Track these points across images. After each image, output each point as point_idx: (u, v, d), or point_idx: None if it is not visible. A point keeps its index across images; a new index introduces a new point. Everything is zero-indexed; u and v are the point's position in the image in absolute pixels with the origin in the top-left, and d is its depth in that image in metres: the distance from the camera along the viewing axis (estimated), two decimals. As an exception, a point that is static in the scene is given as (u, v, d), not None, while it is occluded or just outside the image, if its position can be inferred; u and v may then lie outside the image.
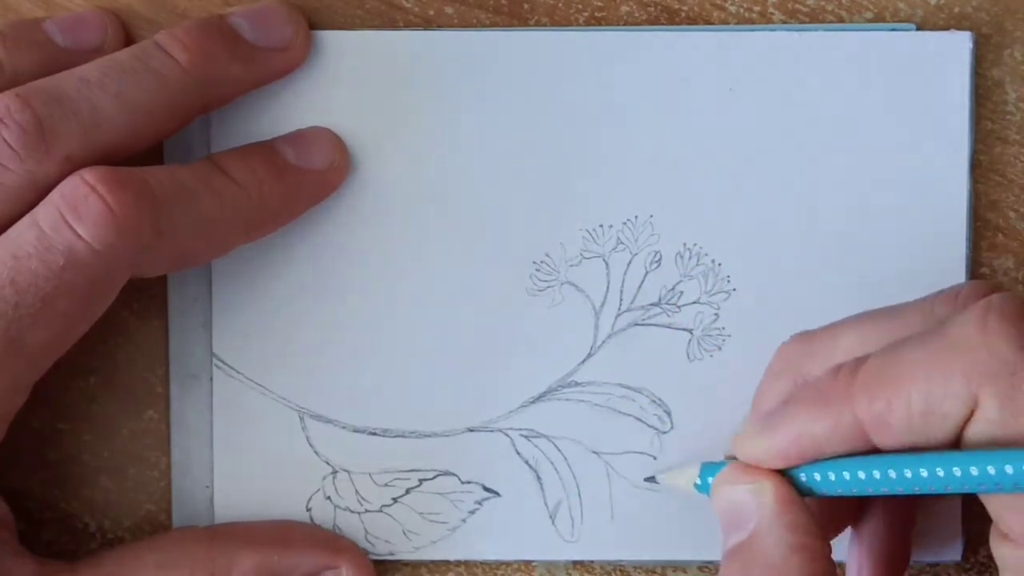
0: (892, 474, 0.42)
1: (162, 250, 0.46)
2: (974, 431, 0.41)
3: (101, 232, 0.44)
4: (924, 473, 0.42)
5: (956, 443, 0.42)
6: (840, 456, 0.43)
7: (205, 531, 0.50)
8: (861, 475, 0.43)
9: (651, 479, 0.50)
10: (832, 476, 0.43)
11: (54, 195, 0.45)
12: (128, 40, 0.51)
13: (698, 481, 0.47)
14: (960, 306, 0.43)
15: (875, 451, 0.43)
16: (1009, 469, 0.40)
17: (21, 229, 0.45)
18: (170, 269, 0.48)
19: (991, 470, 0.40)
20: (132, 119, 0.47)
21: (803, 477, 0.44)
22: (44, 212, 0.45)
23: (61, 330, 0.45)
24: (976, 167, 0.51)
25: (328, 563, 0.50)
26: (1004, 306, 0.41)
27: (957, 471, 0.41)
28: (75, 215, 0.44)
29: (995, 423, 0.40)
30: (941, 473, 0.41)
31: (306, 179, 0.50)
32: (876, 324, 0.45)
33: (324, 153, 0.50)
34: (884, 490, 0.43)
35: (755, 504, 0.44)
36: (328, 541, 0.51)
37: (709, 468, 0.47)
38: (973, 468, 0.41)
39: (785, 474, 0.44)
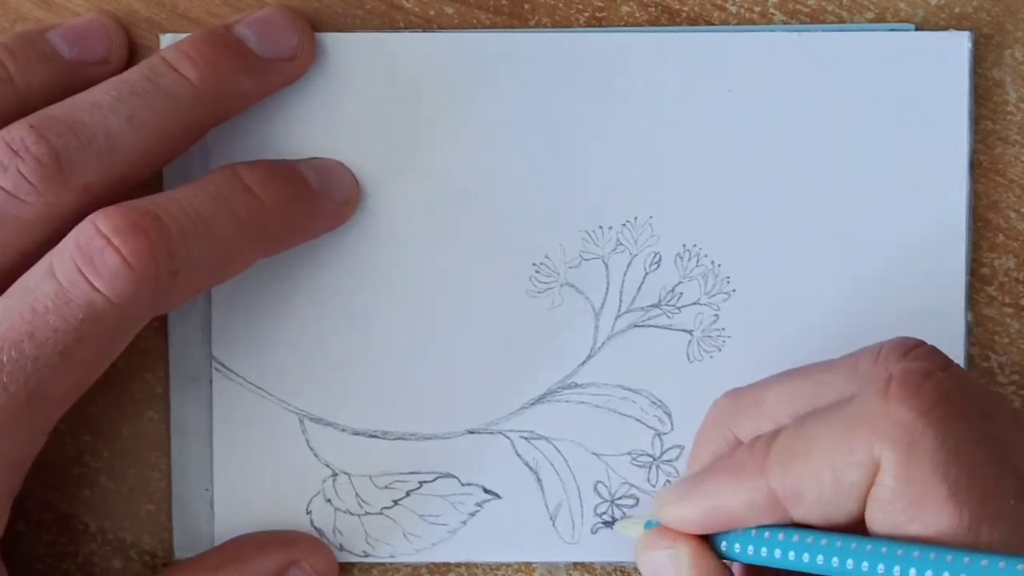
0: (805, 557, 0.43)
1: (179, 287, 0.45)
2: (874, 495, 0.42)
3: (119, 286, 0.44)
4: (825, 560, 0.43)
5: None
6: (760, 525, 0.44)
7: None
8: (775, 553, 0.44)
9: (609, 524, 0.51)
10: (748, 549, 0.45)
11: (69, 243, 0.44)
12: (131, 45, 0.51)
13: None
14: (881, 364, 0.44)
15: (794, 521, 0.44)
16: (897, 571, 0.41)
17: (38, 279, 0.44)
18: (189, 299, 0.47)
19: (881, 569, 0.41)
20: (146, 142, 0.46)
21: (723, 544, 0.45)
22: (60, 263, 0.44)
23: (80, 377, 0.45)
24: (976, 167, 0.51)
25: (287, 559, 0.50)
26: (905, 377, 0.42)
27: (861, 564, 0.42)
28: (91, 269, 0.44)
29: (890, 488, 0.42)
30: (850, 564, 0.42)
31: (325, 207, 0.49)
32: (802, 382, 0.46)
33: (343, 186, 0.50)
34: (795, 567, 0.43)
35: (673, 568, 0.45)
36: (282, 539, 0.51)
37: (652, 525, 0.47)
38: (865, 564, 0.42)
39: (708, 538, 0.46)
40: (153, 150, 0.47)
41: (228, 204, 0.46)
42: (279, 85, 0.50)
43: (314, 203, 0.49)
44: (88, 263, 0.44)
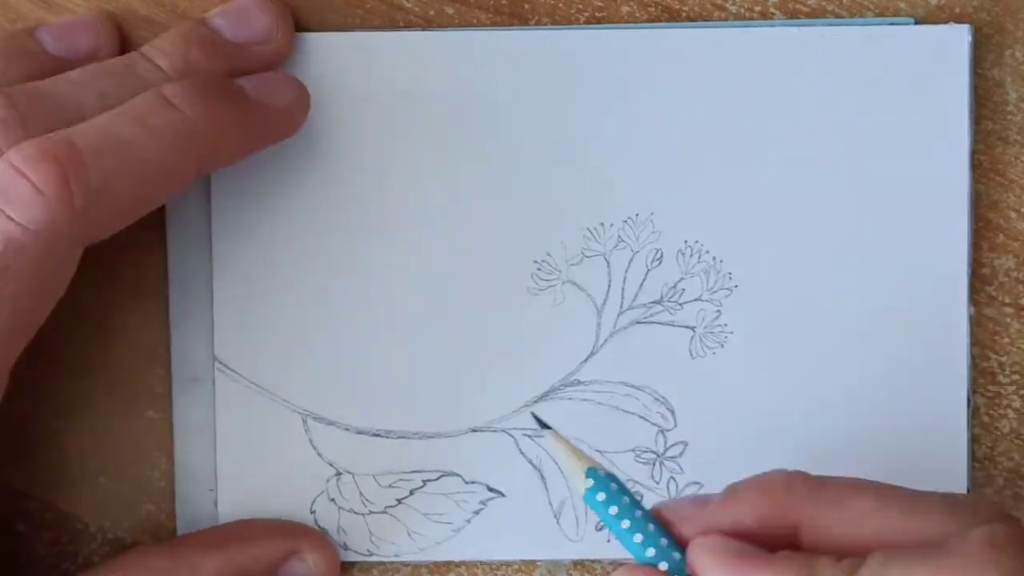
0: None
1: (103, 208, 0.45)
2: None
3: (31, 213, 0.44)
4: None
5: None
6: None
7: (165, 545, 0.50)
8: None
9: (544, 426, 0.48)
10: None
11: None
12: (124, 43, 0.51)
13: (587, 488, 0.45)
14: (985, 512, 0.43)
15: None
16: None
17: None
18: (122, 223, 0.47)
19: None
20: None
21: None
22: None
23: (16, 315, 0.45)
24: (977, 167, 0.51)
25: (289, 549, 0.50)
26: (1011, 529, 0.41)
27: None
28: (5, 199, 0.44)
29: None
30: None
31: (266, 114, 0.49)
32: (897, 503, 0.43)
33: (285, 90, 0.50)
34: None
35: None
36: (287, 529, 0.51)
37: (600, 483, 0.45)
38: None
39: None
40: None
41: (146, 120, 0.46)
42: (257, 69, 0.50)
43: (250, 111, 0.49)
44: (2, 195, 0.44)
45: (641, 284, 0.51)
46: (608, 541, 0.51)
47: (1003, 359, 0.51)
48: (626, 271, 0.51)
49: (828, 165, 0.51)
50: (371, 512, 0.51)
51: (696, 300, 0.51)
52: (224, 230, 0.51)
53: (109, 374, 0.52)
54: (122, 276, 0.51)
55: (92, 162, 0.45)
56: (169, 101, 0.47)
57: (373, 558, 0.51)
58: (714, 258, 0.51)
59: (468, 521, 0.51)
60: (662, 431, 0.51)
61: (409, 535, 0.51)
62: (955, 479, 0.51)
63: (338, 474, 0.51)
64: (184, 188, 0.48)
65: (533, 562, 0.52)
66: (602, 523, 0.50)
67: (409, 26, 0.51)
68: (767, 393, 0.51)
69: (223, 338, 0.51)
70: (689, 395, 0.51)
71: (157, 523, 0.52)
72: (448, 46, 0.51)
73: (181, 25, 0.50)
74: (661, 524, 0.44)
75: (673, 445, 0.51)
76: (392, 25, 0.51)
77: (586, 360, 0.51)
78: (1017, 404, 0.51)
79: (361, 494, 0.51)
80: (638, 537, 0.44)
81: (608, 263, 0.51)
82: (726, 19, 0.51)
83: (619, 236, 0.51)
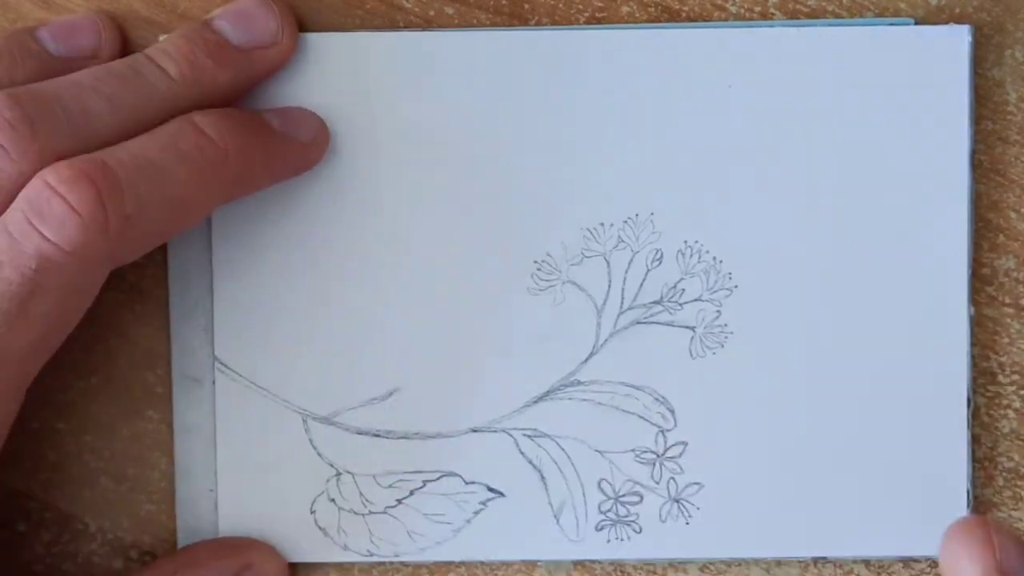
0: None
1: (134, 232, 0.45)
2: None
3: (67, 233, 0.44)
4: None
5: None
6: None
7: None
8: None
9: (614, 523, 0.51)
10: None
11: (20, 199, 0.45)
12: (125, 42, 0.51)
13: None
14: None
15: None
16: None
17: None
18: (149, 247, 0.47)
19: None
20: (124, 122, 0.47)
21: None
22: (12, 218, 0.45)
23: (44, 332, 0.45)
24: (977, 167, 0.51)
25: (239, 564, 0.51)
26: None
27: None
28: (40, 219, 0.44)
29: None
30: None
31: (289, 147, 0.50)
32: None
33: (308, 127, 0.50)
34: None
35: None
36: (234, 545, 0.51)
37: None
38: None
39: None
40: (129, 132, 0.47)
41: (179, 147, 0.47)
42: (262, 73, 0.50)
43: (276, 144, 0.49)
44: (37, 214, 0.44)
45: (641, 284, 0.51)
46: (608, 542, 0.51)
47: (1003, 359, 0.51)
48: (626, 271, 0.51)
49: (828, 165, 0.51)
50: (371, 512, 0.51)
51: (696, 300, 0.51)
52: (224, 230, 0.51)
53: (109, 374, 0.52)
54: (122, 276, 0.51)
55: (127, 185, 0.45)
56: (199, 128, 0.47)
57: (373, 558, 0.51)
58: (714, 258, 0.51)
59: (468, 521, 0.51)
60: (662, 431, 0.51)
61: (409, 535, 0.51)
62: (955, 479, 0.51)
63: (338, 474, 0.51)
64: (207, 216, 0.48)
65: (533, 562, 0.52)
66: (602, 523, 0.50)
67: (409, 26, 0.51)
68: (767, 393, 0.51)
69: (223, 338, 0.51)
70: (689, 395, 0.51)
71: (157, 523, 0.52)
72: (448, 46, 0.51)
73: (185, 28, 0.49)
74: None
75: (673, 445, 0.51)
76: (392, 25, 0.51)
77: (586, 360, 0.51)
78: (1017, 404, 0.51)
79: (361, 494, 0.51)
80: None
81: (608, 263, 0.51)
82: (726, 19, 0.51)
83: (619, 236, 0.51)
